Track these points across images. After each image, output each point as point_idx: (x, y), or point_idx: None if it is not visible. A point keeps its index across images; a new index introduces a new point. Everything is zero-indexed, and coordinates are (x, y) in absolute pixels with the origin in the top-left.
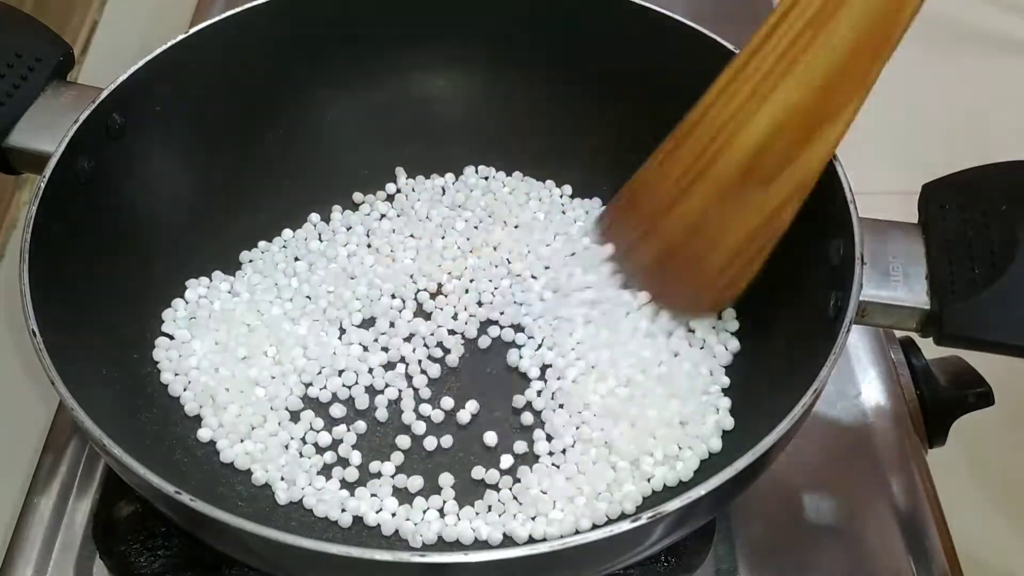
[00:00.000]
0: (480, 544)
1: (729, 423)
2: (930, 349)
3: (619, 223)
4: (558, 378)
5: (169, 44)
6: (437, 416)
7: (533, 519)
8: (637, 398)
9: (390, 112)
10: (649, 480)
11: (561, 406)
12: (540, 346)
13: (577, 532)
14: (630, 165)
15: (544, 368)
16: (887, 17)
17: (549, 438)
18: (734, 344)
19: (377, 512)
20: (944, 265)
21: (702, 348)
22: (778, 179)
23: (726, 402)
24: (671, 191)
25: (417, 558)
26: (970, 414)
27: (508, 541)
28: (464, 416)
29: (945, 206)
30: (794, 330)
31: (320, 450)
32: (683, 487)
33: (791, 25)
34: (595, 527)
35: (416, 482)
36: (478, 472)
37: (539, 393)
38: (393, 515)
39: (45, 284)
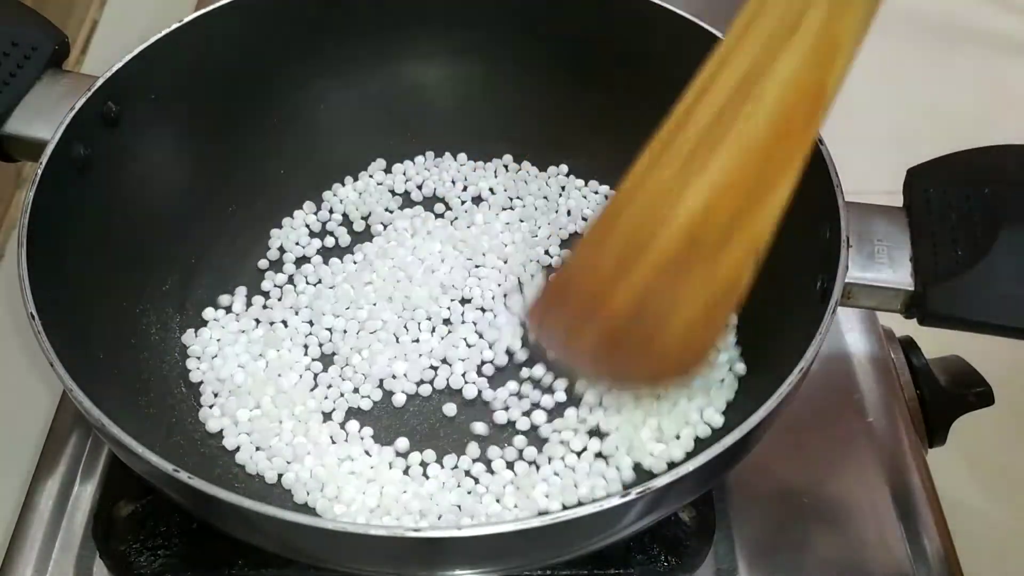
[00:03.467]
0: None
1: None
2: (930, 349)
3: (556, 309)
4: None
5: (163, 33)
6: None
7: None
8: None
9: (385, 101)
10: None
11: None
12: None
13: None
14: (624, 155)
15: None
16: (817, 75)
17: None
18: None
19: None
20: (928, 247)
21: None
22: (726, 248)
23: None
24: (611, 271)
25: (411, 533)
26: (970, 414)
27: None
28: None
29: (929, 189)
30: (781, 314)
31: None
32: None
33: (717, 93)
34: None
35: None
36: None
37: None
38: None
39: (43, 269)
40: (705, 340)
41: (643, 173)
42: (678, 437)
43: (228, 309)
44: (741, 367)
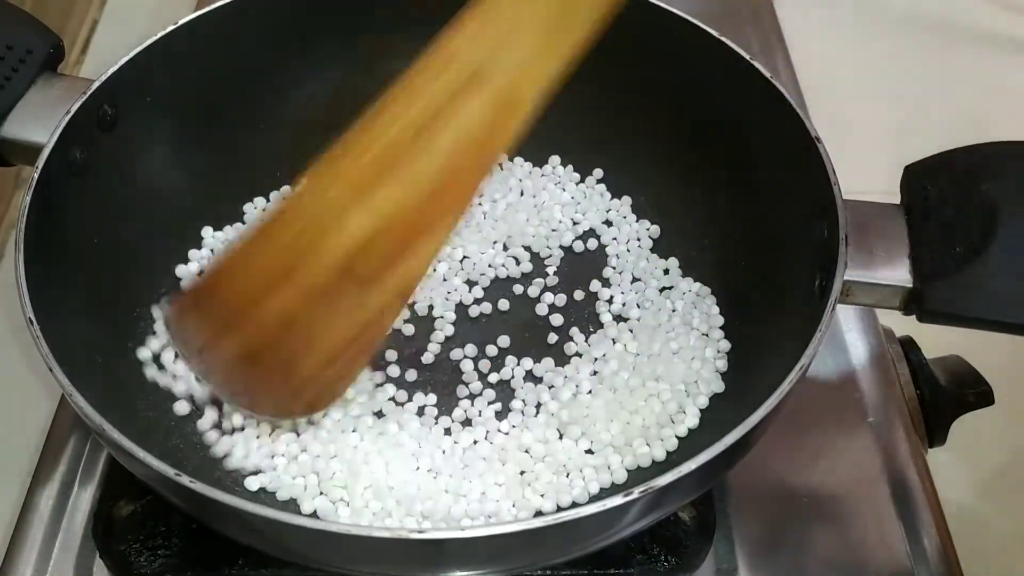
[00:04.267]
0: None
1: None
2: (930, 349)
3: (199, 310)
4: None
5: (158, 36)
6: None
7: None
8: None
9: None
10: (633, 457)
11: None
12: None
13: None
14: (618, 153)
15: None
16: (491, 136)
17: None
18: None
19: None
20: (926, 244)
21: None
22: (378, 282)
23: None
24: (261, 283)
25: (416, 535)
26: (970, 414)
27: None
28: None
29: (927, 186)
30: (780, 312)
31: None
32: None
33: (396, 123)
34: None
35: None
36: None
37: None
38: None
39: (41, 273)
40: (341, 376)
41: (309, 188)
42: (662, 440)
43: None
44: (722, 363)
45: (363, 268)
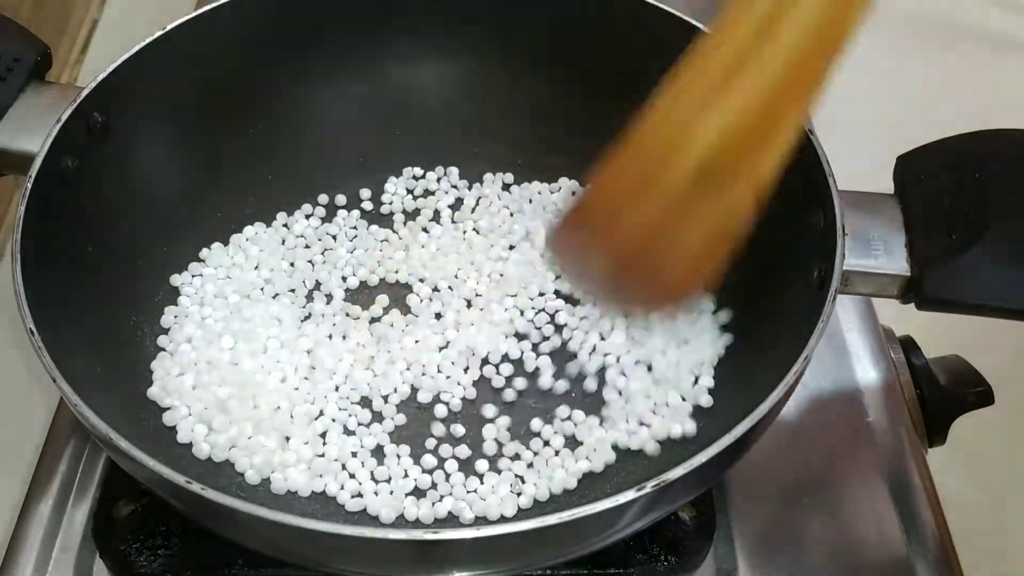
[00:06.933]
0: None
1: (707, 401)
2: (930, 349)
3: (574, 232)
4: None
5: (147, 41)
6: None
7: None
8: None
9: (372, 105)
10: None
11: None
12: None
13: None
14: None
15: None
16: (836, 19)
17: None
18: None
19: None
20: (922, 232)
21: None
22: (731, 185)
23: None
24: (625, 197)
25: (430, 535)
26: (970, 414)
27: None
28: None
29: (920, 175)
30: (780, 306)
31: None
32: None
33: (740, 30)
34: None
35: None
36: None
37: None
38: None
39: (39, 283)
40: (703, 270)
41: (664, 105)
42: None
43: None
44: (727, 337)
45: (716, 171)
